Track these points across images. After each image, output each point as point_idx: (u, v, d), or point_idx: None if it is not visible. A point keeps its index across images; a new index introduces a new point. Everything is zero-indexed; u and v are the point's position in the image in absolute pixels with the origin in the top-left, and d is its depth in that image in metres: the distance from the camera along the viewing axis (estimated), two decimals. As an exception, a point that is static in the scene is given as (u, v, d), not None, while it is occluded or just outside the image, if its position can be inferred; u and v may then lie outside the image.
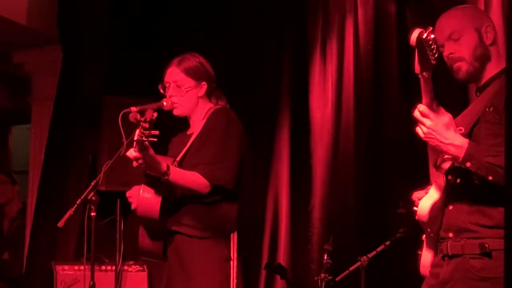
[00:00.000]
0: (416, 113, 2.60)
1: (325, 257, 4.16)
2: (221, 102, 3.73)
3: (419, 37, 2.44)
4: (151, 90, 3.99)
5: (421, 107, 2.58)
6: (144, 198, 3.48)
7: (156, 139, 3.18)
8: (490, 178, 2.56)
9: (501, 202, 2.58)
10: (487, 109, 2.69)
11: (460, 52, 2.79)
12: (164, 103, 3.60)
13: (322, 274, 4.15)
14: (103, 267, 5.00)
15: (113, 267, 4.99)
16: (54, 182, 5.51)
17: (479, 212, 2.68)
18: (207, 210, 3.52)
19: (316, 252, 4.79)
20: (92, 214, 3.49)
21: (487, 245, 2.63)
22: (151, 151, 3.27)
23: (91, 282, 3.57)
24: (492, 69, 2.79)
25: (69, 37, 5.71)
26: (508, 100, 2.25)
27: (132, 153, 3.27)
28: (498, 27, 4.05)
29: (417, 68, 2.52)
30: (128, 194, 3.59)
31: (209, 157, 3.49)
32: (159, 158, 3.43)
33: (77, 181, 5.36)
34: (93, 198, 3.47)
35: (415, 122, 2.63)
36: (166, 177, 3.38)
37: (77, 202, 3.46)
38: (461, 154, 2.58)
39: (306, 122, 5.00)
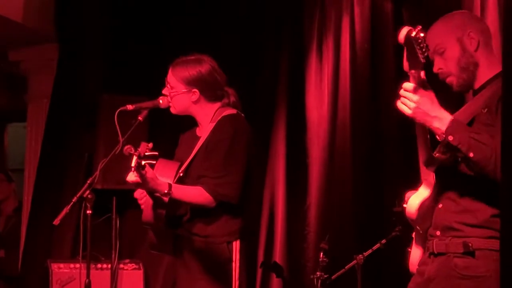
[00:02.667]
0: (402, 91, 2.62)
1: (321, 256, 4.16)
2: (233, 104, 3.69)
3: (408, 35, 2.46)
4: (148, 89, 3.99)
5: (407, 84, 2.60)
6: (148, 206, 3.49)
7: (155, 161, 3.19)
8: (471, 155, 2.55)
9: (487, 203, 2.63)
10: (482, 110, 2.70)
11: (447, 67, 2.81)
12: (161, 101, 3.58)
13: (318, 273, 4.14)
14: (99, 265, 5.00)
15: (109, 265, 4.99)
16: (50, 180, 5.50)
17: (466, 211, 2.70)
18: (211, 219, 3.53)
19: (312, 251, 4.79)
20: (88, 212, 3.48)
21: (470, 244, 2.66)
22: (151, 174, 3.28)
23: (87, 280, 3.56)
24: (484, 73, 2.80)
25: (66, 35, 5.71)
26: (504, 101, 2.27)
27: (131, 177, 3.28)
28: (494, 29, 4.07)
29: (405, 65, 2.54)
30: (138, 195, 3.59)
31: (214, 170, 3.47)
32: (164, 163, 3.44)
33: (73, 179, 5.36)
34: (89, 196, 3.46)
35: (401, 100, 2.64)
36: (169, 197, 3.39)
37: (73, 200, 3.46)
38: (444, 127, 2.59)
39: (303, 121, 5.00)
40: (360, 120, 4.82)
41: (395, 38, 4.91)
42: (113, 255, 4.99)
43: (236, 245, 3.53)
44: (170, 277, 5.11)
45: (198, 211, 3.52)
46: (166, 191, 3.35)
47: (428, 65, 2.56)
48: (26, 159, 6.21)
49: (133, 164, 3.16)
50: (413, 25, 2.52)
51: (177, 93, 3.58)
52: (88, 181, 3.49)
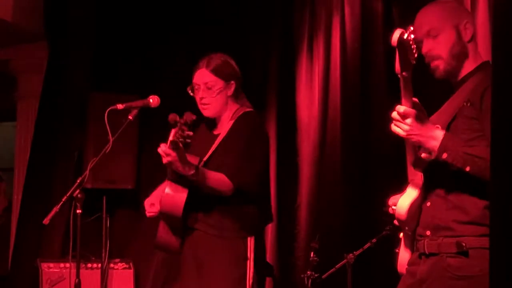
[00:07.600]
0: (395, 114, 2.61)
1: (312, 255, 4.16)
2: (247, 103, 3.72)
3: (401, 38, 2.46)
4: (138, 87, 3.98)
5: (401, 108, 2.59)
6: (168, 194, 3.48)
7: (190, 140, 3.20)
8: (468, 169, 2.57)
9: (478, 196, 2.61)
10: (465, 104, 2.70)
11: (437, 50, 2.79)
12: (151, 101, 3.59)
13: (308, 272, 4.15)
14: (89, 265, 4.99)
15: (99, 265, 4.98)
16: (39, 180, 5.48)
17: (456, 208, 2.68)
18: (229, 211, 3.53)
19: (302, 250, 4.79)
20: (78, 211, 3.48)
21: (464, 244, 2.63)
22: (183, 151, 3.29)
23: (77, 280, 3.56)
24: (469, 66, 2.80)
25: (55, 33, 5.68)
26: (494, 100, 2.26)
27: (163, 148, 3.27)
28: (485, 25, 4.08)
29: (397, 68, 2.53)
30: (150, 201, 3.59)
31: (235, 159, 3.49)
32: (187, 157, 3.44)
33: (63, 179, 5.34)
34: (79, 195, 3.46)
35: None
36: (195, 178, 3.38)
37: (63, 200, 3.45)
38: (437, 145, 2.60)
39: (293, 120, 5.00)
40: (351, 119, 4.82)
41: (385, 38, 4.94)
42: (103, 255, 4.99)
43: (250, 241, 3.53)
44: (160, 277, 5.11)
45: (216, 202, 3.51)
46: (193, 171, 3.35)
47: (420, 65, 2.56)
48: (15, 159, 6.19)
49: (171, 138, 3.16)
50: (403, 25, 2.52)
51: (220, 90, 3.59)
52: (78, 180, 3.49)
